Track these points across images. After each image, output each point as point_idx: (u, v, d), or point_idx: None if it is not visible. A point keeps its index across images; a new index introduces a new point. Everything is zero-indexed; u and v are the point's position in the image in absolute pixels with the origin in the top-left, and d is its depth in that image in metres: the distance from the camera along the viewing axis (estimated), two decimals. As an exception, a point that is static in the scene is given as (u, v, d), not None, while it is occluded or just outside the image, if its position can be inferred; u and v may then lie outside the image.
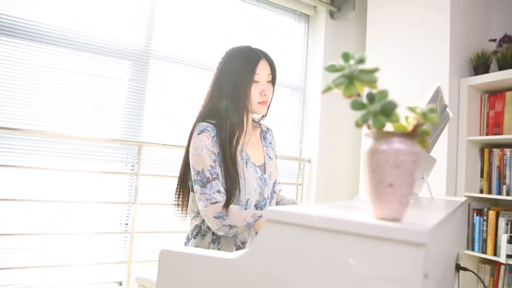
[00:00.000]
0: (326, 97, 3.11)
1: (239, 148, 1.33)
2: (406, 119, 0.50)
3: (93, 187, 2.32)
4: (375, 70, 0.47)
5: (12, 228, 2.06)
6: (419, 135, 0.49)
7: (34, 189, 2.15)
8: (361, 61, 0.47)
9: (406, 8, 2.67)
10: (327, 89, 0.50)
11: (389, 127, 0.49)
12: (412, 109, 0.47)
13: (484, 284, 1.08)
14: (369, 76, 0.46)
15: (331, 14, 3.22)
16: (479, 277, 1.12)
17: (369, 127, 0.48)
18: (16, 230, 2.07)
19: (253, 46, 1.41)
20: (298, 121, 3.23)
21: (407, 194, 0.47)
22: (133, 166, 2.49)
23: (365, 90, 0.49)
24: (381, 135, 0.47)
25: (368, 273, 0.46)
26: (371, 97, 0.46)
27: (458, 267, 1.07)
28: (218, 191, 1.23)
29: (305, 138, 3.22)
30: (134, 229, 2.39)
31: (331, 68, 0.49)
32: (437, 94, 0.92)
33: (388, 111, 0.45)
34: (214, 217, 1.18)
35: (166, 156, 2.60)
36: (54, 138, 2.19)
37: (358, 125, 0.46)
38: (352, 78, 0.47)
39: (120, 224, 2.49)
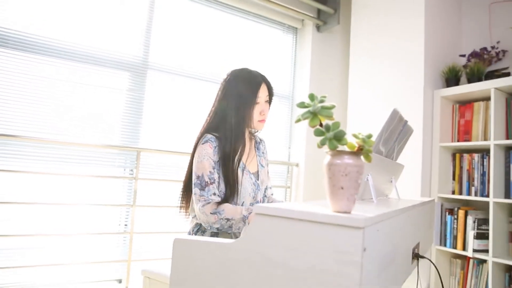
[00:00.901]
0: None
1: (236, 157, 1.53)
2: (355, 136, 0.71)
3: (94, 190, 2.50)
4: (331, 107, 0.67)
5: (16, 229, 2.22)
6: (363, 153, 0.69)
7: (37, 192, 2.31)
8: (322, 101, 0.68)
9: (385, 24, 2.90)
10: (298, 120, 0.70)
11: (343, 147, 0.70)
12: (355, 136, 0.68)
13: (437, 270, 1.29)
14: (327, 112, 0.66)
15: (318, 27, 3.44)
16: (433, 264, 1.33)
17: (328, 148, 0.68)
18: (20, 231, 2.22)
19: (252, 69, 1.62)
20: (286, 127, 3.44)
21: (354, 193, 0.68)
22: (131, 170, 2.66)
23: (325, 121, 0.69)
24: (336, 153, 0.67)
25: (325, 247, 0.66)
26: (327, 127, 0.66)
27: (417, 256, 1.28)
28: (214, 194, 1.43)
29: (293, 144, 3.43)
30: (133, 229, 2.57)
31: (301, 105, 0.69)
32: (394, 116, 1.13)
33: (339, 137, 0.66)
34: (211, 213, 1.37)
35: (163, 161, 2.79)
36: (56, 144, 2.36)
37: (319, 146, 0.67)
38: (315, 113, 0.67)
39: (120, 225, 2.67)
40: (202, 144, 1.49)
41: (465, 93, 2.51)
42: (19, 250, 2.26)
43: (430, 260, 1.21)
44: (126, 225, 2.67)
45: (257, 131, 1.71)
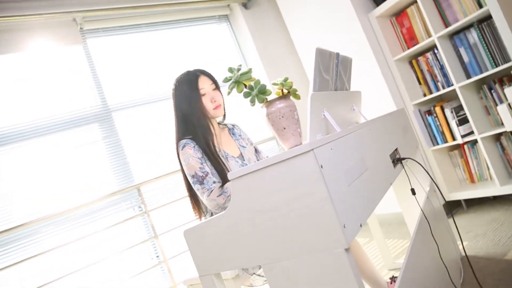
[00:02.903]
0: (275, 77, 3.44)
1: (216, 148, 1.65)
2: (282, 86, 0.84)
3: (114, 240, 2.61)
4: (249, 71, 0.80)
5: None
6: (290, 94, 0.82)
7: (64, 265, 2.41)
8: (239, 70, 0.81)
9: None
10: (229, 93, 0.83)
11: (273, 96, 0.83)
12: (275, 84, 0.80)
13: (423, 168, 1.42)
14: (246, 76, 0.79)
15: (244, 5, 3.55)
16: (417, 162, 1.47)
17: (261, 102, 0.81)
18: None
19: (190, 68, 1.73)
20: (260, 108, 3.55)
21: (296, 128, 0.81)
22: (139, 207, 2.78)
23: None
24: (268, 104, 0.80)
25: (291, 181, 0.79)
26: (250, 87, 0.79)
27: (398, 159, 1.42)
28: (214, 182, 1.56)
29: (271, 118, 3.55)
30: (166, 257, 2.70)
31: (225, 80, 0.82)
32: (320, 55, 1.26)
33: (262, 90, 0.79)
34: (217, 196, 1.50)
35: (165, 184, 2.90)
36: (61, 216, 2.47)
37: (252, 103, 0.80)
38: (238, 81, 0.80)
39: (152, 259, 2.80)
40: (182, 150, 1.61)
41: (395, 4, 2.63)
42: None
43: (410, 158, 1.35)
44: (157, 256, 2.80)
45: (223, 120, 1.82)
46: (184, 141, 1.63)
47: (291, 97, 0.80)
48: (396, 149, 1.47)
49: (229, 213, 0.89)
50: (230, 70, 0.76)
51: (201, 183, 1.54)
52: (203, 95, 1.65)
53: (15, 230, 2.30)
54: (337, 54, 1.46)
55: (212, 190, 1.51)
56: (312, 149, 0.77)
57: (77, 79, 2.80)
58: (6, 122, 2.46)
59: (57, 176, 2.54)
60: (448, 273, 1.43)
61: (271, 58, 3.53)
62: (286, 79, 0.76)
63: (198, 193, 1.57)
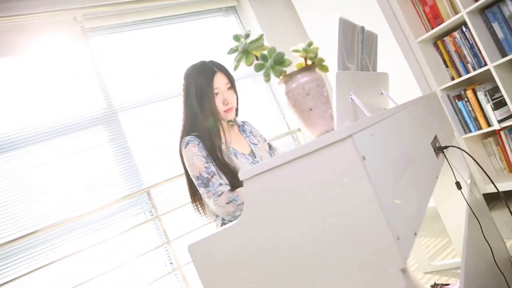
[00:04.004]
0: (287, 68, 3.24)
1: (223, 146, 1.47)
2: (303, 63, 0.64)
3: (126, 246, 2.46)
4: (260, 38, 0.61)
5: None
6: (316, 63, 0.62)
7: (78, 273, 2.28)
8: (247, 36, 0.61)
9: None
10: (236, 67, 0.64)
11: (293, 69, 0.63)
12: (296, 50, 0.61)
13: (469, 154, 1.21)
14: (257, 44, 0.60)
15: (252, -5, 3.35)
16: (460, 149, 1.25)
17: (277, 77, 0.61)
18: None
19: (206, 59, 1.55)
20: (272, 102, 3.36)
21: (326, 109, 0.61)
22: (150, 211, 2.62)
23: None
24: (287, 78, 0.61)
25: (325, 177, 0.60)
26: (264, 57, 0.60)
27: (440, 148, 1.20)
28: (220, 184, 1.37)
29: (286, 113, 3.36)
30: (180, 263, 2.53)
31: (231, 51, 0.63)
32: (343, 25, 1.05)
33: (279, 61, 0.59)
34: (226, 203, 1.32)
35: (175, 187, 2.73)
36: (72, 223, 2.33)
37: (267, 80, 0.60)
38: (246, 51, 0.61)
39: (166, 265, 2.63)
40: (185, 148, 1.44)
41: (416, -19, 2.40)
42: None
43: (456, 147, 1.14)
44: (171, 263, 2.63)
45: (233, 120, 1.65)
46: (187, 138, 1.45)
47: (317, 69, 0.60)
48: (435, 137, 1.26)
49: (242, 223, 0.70)
50: (236, 38, 0.57)
51: (206, 185, 1.36)
52: (216, 94, 1.48)
53: (21, 240, 2.16)
54: (362, 27, 1.26)
55: (219, 195, 1.33)
56: (351, 135, 0.57)
57: (80, 80, 2.65)
58: (8, 128, 2.33)
59: (62, 182, 2.39)
60: (505, 278, 1.21)
61: (283, 49, 3.32)
62: (310, 44, 0.56)
63: (203, 197, 1.39)
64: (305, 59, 0.59)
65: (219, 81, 1.48)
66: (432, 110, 1.52)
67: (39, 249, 2.23)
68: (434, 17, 2.47)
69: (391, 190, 0.64)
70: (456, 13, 2.34)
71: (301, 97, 0.59)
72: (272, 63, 0.57)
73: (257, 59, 0.60)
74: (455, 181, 1.25)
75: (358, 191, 0.57)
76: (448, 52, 2.48)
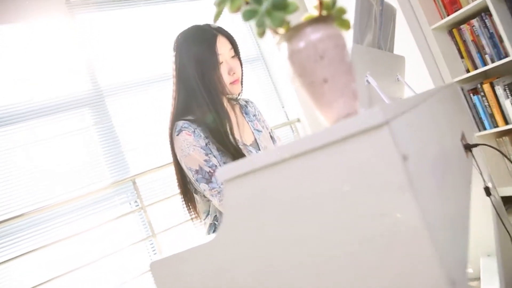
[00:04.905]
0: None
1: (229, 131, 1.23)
2: (315, 8, 0.43)
3: (109, 239, 2.27)
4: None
5: None
6: (334, 15, 0.42)
7: (53, 265, 2.09)
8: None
9: None
10: (217, 15, 0.43)
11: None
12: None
13: (508, 158, 1.02)
14: (248, -22, 0.39)
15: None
16: (495, 148, 1.06)
17: (275, 32, 0.41)
18: None
19: (201, 23, 1.30)
20: (271, 89, 3.15)
21: (348, 82, 0.41)
22: (136, 202, 2.43)
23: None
24: (292, 33, 0.40)
25: (341, 185, 0.39)
26: (257, 0, 0.39)
27: (468, 146, 1.01)
28: None
29: (285, 102, 3.15)
30: (165, 259, 2.35)
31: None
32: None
33: (280, 4, 0.38)
34: None
35: (163, 176, 2.54)
36: (49, 211, 2.13)
37: (260, 34, 0.40)
38: (232, -12, 0.40)
39: (152, 259, 2.45)
40: (177, 135, 1.19)
41: (434, -39, 2.18)
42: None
43: (488, 145, 0.94)
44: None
45: (237, 96, 1.40)
46: (181, 123, 1.20)
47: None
48: (463, 134, 1.06)
49: (219, 241, 0.50)
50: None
51: (209, 181, 1.13)
52: (220, 63, 1.21)
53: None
54: (382, -3, 1.05)
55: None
56: (388, 122, 0.37)
57: (65, 58, 2.42)
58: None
59: (42, 166, 2.19)
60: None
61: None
62: None
63: (205, 194, 1.17)
64: (320, 4, 0.38)
65: (223, 45, 1.21)
66: (454, 103, 1.31)
67: (14, 237, 2.03)
68: (451, 2, 2.25)
69: (438, 209, 0.44)
70: (477, -3, 2.12)
71: (312, 61, 0.38)
72: (269, 7, 0.36)
73: (246, 3, 0.39)
74: (483, 186, 1.05)
75: (395, 210, 0.37)
76: (464, 41, 2.27)
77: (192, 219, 1.34)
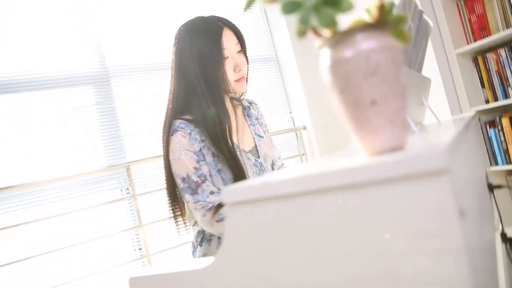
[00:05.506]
0: (302, 60, 2.95)
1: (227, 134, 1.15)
2: (368, 12, 0.35)
3: (95, 223, 2.19)
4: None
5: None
6: (392, 23, 0.34)
7: (34, 244, 2.01)
8: None
9: None
10: (249, 3, 0.35)
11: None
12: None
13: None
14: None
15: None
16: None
17: (317, 34, 0.33)
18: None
19: (205, 15, 1.21)
20: (281, 92, 3.06)
21: (400, 108, 0.33)
22: (127, 189, 2.35)
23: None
24: (339, 38, 0.32)
25: (374, 235, 0.31)
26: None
27: (491, 187, 0.92)
28: (212, 192, 1.07)
29: (293, 107, 3.07)
30: (149, 251, 2.28)
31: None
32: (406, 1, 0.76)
33: (333, 1, 0.30)
34: (217, 221, 1.02)
35: (157, 168, 2.45)
36: (34, 187, 2.05)
37: (301, 33, 0.31)
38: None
39: (135, 250, 2.37)
40: (172, 135, 1.12)
41: (468, -17, 2.10)
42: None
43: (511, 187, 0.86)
44: (140, 248, 2.36)
45: (241, 95, 1.31)
46: (177, 122, 1.13)
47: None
48: (486, 172, 0.98)
49: (214, 272, 0.42)
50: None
51: (194, 192, 1.05)
52: (225, 58, 1.13)
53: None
54: (421, 12, 0.97)
55: (209, 208, 1.03)
56: (449, 169, 0.29)
57: (74, 31, 2.33)
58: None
59: (37, 139, 2.11)
60: None
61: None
62: None
63: (188, 206, 1.10)
64: (380, 7, 0.30)
65: (229, 39, 1.13)
66: (476, 138, 1.23)
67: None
68: (480, 28, 2.17)
69: (481, 269, 0.35)
70: (508, 27, 2.04)
71: (361, 76, 0.30)
72: (319, 1, 0.28)
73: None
74: (500, 231, 0.97)
75: (445, 276, 0.29)
76: (488, 70, 2.18)
77: (177, 225, 1.26)
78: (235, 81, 1.16)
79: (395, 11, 0.33)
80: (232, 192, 0.39)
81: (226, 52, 1.13)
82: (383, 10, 0.32)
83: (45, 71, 2.18)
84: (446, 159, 0.29)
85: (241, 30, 1.20)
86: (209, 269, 0.42)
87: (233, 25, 1.18)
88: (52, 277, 2.01)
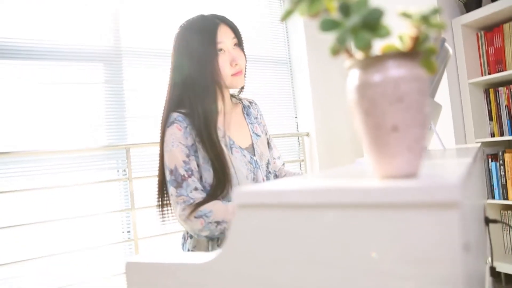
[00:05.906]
0: (315, 66, 2.95)
1: (220, 133, 1.18)
2: (401, 39, 0.36)
3: (87, 200, 2.20)
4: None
5: (14, 254, 1.94)
6: (423, 54, 0.34)
7: (25, 212, 2.02)
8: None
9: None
10: (287, 14, 0.36)
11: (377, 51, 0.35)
12: (406, 15, 0.33)
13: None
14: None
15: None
16: (510, 226, 0.98)
17: (350, 54, 0.34)
18: (18, 255, 1.93)
19: (206, 13, 1.25)
20: (289, 96, 3.07)
21: (420, 138, 0.34)
22: (124, 171, 2.36)
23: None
24: (371, 61, 0.33)
25: (375, 257, 0.32)
26: (345, 9, 0.31)
27: (487, 221, 0.93)
28: (196, 189, 1.08)
29: (299, 113, 3.08)
30: (137, 235, 2.28)
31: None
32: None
33: (372, 22, 0.31)
34: (195, 217, 1.04)
35: (157, 153, 2.46)
36: (33, 156, 2.06)
37: (335, 52, 0.32)
38: (316, -13, 0.33)
39: (123, 232, 2.38)
40: (168, 127, 1.14)
41: (490, 15, 2.10)
42: (18, 275, 1.97)
43: (508, 224, 0.87)
44: (129, 231, 2.37)
45: (240, 92, 1.32)
46: (175, 115, 1.15)
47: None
48: (484, 205, 0.99)
49: (216, 267, 0.42)
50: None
51: (179, 185, 1.06)
52: (220, 50, 1.15)
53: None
54: (444, 39, 0.98)
55: (189, 203, 1.05)
56: (458, 204, 0.30)
57: (93, 5, 2.33)
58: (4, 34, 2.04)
59: (42, 109, 2.11)
60: None
61: (317, 41, 3.02)
62: (435, 11, 0.28)
63: (171, 198, 1.11)
64: (415, 38, 0.31)
65: (224, 34, 1.16)
66: (480, 170, 1.24)
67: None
68: (496, 62, 2.17)
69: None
70: (524, 64, 2.05)
71: (387, 102, 0.31)
72: (358, 24, 0.29)
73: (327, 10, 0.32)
74: (489, 265, 0.98)
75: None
76: (498, 104, 2.19)
77: (162, 215, 1.27)
78: (232, 75, 1.17)
79: (427, 43, 0.34)
80: (242, 194, 0.39)
81: (221, 46, 1.15)
82: (417, 41, 0.33)
83: (58, 42, 2.18)
84: (459, 193, 0.30)
85: (240, 31, 1.24)
86: (210, 264, 0.43)
87: (230, 21, 1.21)
88: (36, 248, 2.02)
